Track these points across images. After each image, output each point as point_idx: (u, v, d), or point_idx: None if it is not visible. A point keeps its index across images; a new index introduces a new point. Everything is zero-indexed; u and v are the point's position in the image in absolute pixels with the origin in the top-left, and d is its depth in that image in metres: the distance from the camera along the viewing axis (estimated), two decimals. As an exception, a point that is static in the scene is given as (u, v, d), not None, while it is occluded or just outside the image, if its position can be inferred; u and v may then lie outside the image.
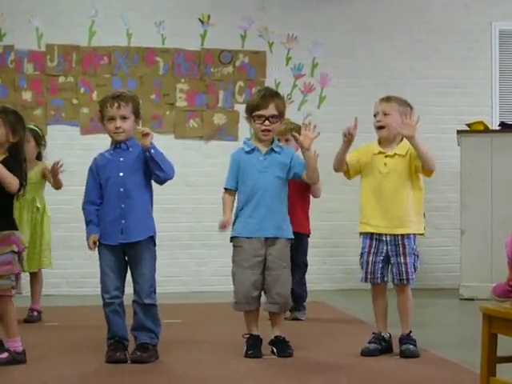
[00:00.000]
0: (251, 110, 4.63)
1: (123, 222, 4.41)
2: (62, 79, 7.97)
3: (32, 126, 5.95)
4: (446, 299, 7.33)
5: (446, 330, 5.73)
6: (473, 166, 7.29)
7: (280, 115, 4.63)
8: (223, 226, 4.56)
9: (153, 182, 4.52)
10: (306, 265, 6.05)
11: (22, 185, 4.33)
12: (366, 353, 4.55)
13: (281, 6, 8.30)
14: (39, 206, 5.92)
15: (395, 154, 4.59)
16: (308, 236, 6.05)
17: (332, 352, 4.71)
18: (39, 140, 5.99)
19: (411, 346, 4.52)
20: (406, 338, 4.57)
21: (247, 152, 4.64)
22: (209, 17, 8.18)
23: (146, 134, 4.35)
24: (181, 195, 7.95)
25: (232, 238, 4.64)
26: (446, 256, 8.15)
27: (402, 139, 4.61)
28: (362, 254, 4.66)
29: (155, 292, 4.49)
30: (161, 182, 4.48)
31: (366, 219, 4.65)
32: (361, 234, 4.69)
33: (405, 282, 4.58)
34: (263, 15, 8.26)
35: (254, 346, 4.55)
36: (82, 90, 7.98)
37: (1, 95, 7.83)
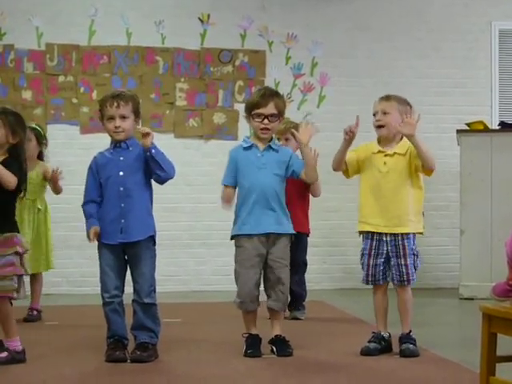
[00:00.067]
0: (251, 109, 4.63)
1: (123, 221, 4.41)
2: (61, 78, 7.97)
3: (34, 125, 5.97)
4: (445, 299, 7.33)
5: (445, 329, 5.73)
6: (472, 165, 7.28)
7: (279, 114, 4.63)
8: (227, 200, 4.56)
9: (153, 181, 4.52)
10: (305, 264, 6.06)
11: (22, 185, 4.33)
12: (365, 352, 4.55)
13: (281, 5, 8.30)
14: (40, 207, 5.91)
15: (395, 153, 4.59)
16: (307, 235, 6.05)
17: (332, 351, 4.71)
18: (41, 139, 5.99)
19: (411, 346, 4.52)
20: (406, 338, 4.56)
21: (245, 148, 4.64)
22: (208, 16, 8.18)
23: (146, 134, 4.35)
24: (180, 194, 7.94)
25: (233, 237, 4.65)
26: (445, 255, 8.15)
27: (401, 138, 4.60)
28: (362, 254, 4.66)
29: (155, 291, 4.49)
30: (161, 181, 4.48)
31: (365, 218, 4.65)
32: (360, 233, 4.70)
33: (405, 283, 4.58)
34: (263, 14, 8.25)
35: (253, 345, 4.55)
36: (82, 90, 7.98)
37: (1, 94, 7.83)
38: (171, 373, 4.18)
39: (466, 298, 7.13)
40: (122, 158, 4.46)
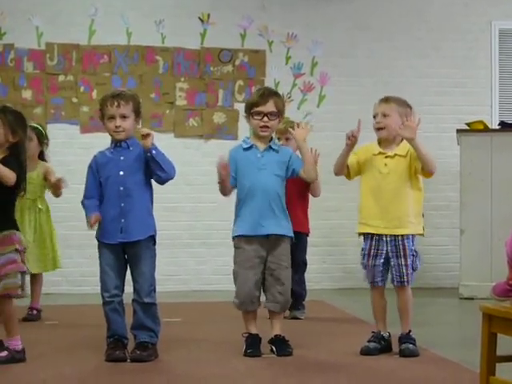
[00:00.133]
0: (250, 107, 4.64)
1: (123, 220, 4.41)
2: (61, 78, 7.97)
3: (35, 125, 5.96)
4: (445, 298, 7.33)
5: (445, 329, 5.73)
6: (472, 165, 7.28)
7: (279, 113, 4.63)
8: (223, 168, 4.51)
9: (153, 181, 4.52)
10: (305, 264, 6.05)
11: (22, 183, 4.33)
12: (365, 352, 4.55)
13: (280, 4, 8.30)
14: (41, 206, 5.91)
15: (395, 155, 4.59)
16: (307, 235, 6.05)
17: (331, 351, 4.71)
18: (42, 138, 5.98)
19: (411, 345, 4.52)
20: (406, 337, 4.56)
21: (245, 149, 4.64)
22: (208, 15, 8.18)
23: (146, 135, 4.34)
24: (180, 194, 7.94)
25: (233, 238, 4.64)
26: (445, 255, 8.15)
27: (401, 140, 4.60)
28: (363, 255, 4.67)
29: (155, 291, 4.49)
30: (162, 182, 4.47)
31: (365, 220, 4.65)
32: (360, 234, 4.70)
33: (405, 283, 4.58)
34: (263, 14, 8.25)
35: (253, 345, 4.55)
36: (82, 89, 7.98)
37: (1, 94, 7.83)
38: (171, 372, 4.18)
39: (466, 298, 7.13)
40: (122, 158, 4.46)
